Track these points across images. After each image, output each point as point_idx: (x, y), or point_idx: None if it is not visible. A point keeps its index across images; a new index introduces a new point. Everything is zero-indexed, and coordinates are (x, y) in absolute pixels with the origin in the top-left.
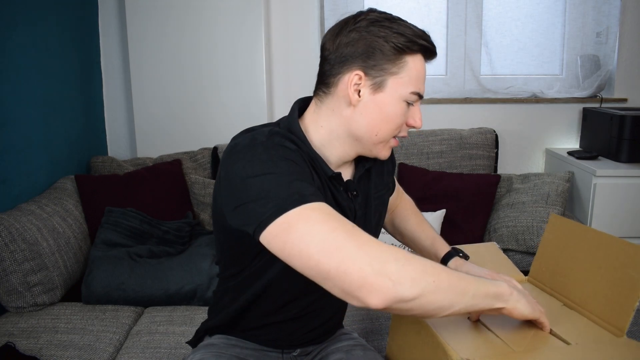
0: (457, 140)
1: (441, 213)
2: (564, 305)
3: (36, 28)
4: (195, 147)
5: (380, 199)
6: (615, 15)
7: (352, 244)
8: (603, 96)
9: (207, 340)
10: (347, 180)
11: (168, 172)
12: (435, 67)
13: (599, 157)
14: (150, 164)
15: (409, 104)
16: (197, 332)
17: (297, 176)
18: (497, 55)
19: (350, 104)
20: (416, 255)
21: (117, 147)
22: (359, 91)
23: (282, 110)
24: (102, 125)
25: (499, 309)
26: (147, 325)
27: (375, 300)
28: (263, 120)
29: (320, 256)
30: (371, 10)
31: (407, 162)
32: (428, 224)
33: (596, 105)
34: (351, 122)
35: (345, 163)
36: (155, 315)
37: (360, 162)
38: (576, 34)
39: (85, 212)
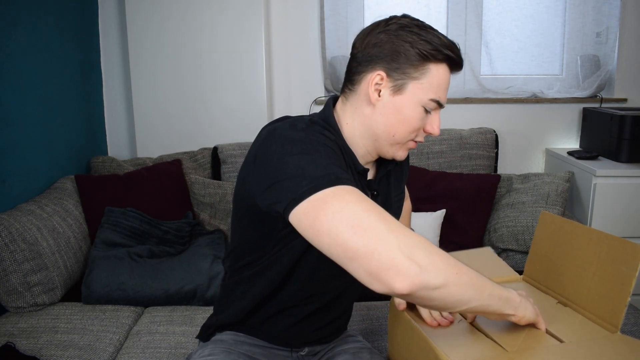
0: (457, 140)
1: (441, 213)
2: (558, 302)
3: (36, 28)
4: (195, 147)
5: (399, 203)
6: (615, 15)
7: (384, 226)
8: (603, 96)
9: (217, 336)
10: (369, 180)
11: (168, 172)
12: None
13: (599, 157)
14: (150, 164)
15: (427, 110)
16: (206, 327)
17: (334, 162)
18: (497, 55)
19: (370, 102)
20: (440, 249)
21: (117, 147)
22: (380, 91)
23: (282, 110)
24: (102, 125)
25: (508, 315)
26: (147, 325)
27: (401, 284)
28: (263, 120)
29: (350, 235)
30: (404, 16)
31: None
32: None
33: (596, 105)
34: (371, 121)
35: (367, 163)
36: (155, 315)
37: (382, 164)
38: (576, 34)
39: (85, 212)
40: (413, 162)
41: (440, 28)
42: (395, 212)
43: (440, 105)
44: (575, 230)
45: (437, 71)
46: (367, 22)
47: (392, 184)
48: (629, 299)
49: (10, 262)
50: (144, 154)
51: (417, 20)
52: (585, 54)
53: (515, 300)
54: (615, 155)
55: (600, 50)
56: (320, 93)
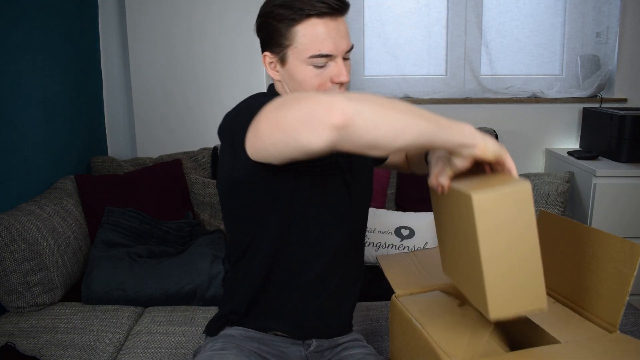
0: None
1: None
2: (555, 302)
3: (36, 28)
4: (195, 147)
5: (368, 181)
6: (615, 15)
7: (311, 95)
8: (603, 96)
9: (226, 331)
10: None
11: (168, 172)
12: (435, 67)
13: (599, 157)
14: (150, 164)
15: (318, 66)
16: (214, 320)
17: None
18: (497, 55)
19: (277, 79)
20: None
21: (117, 147)
22: (275, 67)
23: None
24: (102, 125)
25: (466, 147)
26: (147, 325)
27: (333, 116)
28: None
29: (279, 110)
30: None
31: None
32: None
33: (596, 105)
34: (284, 94)
35: None
36: (156, 315)
37: None
38: (576, 34)
39: (85, 212)
40: None
41: (440, 28)
42: (366, 192)
43: (329, 56)
44: (574, 229)
45: (305, 30)
46: (367, 22)
47: (356, 160)
48: (627, 298)
49: (10, 262)
50: (144, 154)
51: None
52: (585, 54)
53: (470, 130)
54: (615, 155)
55: (600, 50)
56: None
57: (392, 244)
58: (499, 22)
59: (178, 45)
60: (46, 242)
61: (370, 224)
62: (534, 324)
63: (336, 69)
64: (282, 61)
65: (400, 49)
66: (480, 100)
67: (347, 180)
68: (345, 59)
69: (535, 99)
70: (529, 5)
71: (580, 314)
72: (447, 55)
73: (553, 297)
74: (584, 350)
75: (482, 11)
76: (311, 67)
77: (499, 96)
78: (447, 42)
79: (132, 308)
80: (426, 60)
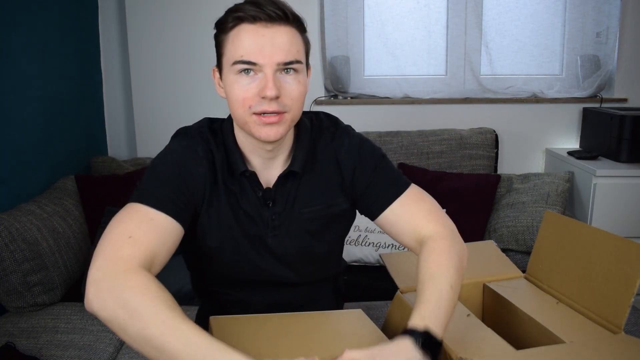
0: (457, 140)
1: None
2: (559, 302)
3: (36, 28)
4: None
5: (316, 215)
6: (615, 15)
7: (106, 245)
8: (603, 96)
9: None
10: (266, 188)
11: None
12: (435, 67)
13: (599, 157)
14: None
15: (244, 76)
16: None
17: (166, 180)
18: (497, 55)
19: (223, 97)
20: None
21: (117, 147)
22: (221, 83)
23: None
24: (102, 125)
25: None
26: None
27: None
28: None
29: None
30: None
31: (407, 162)
32: (437, 283)
33: (596, 105)
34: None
35: (272, 161)
36: None
37: (284, 171)
38: (576, 34)
39: (85, 212)
40: (413, 162)
41: (440, 28)
42: (309, 225)
43: (252, 64)
44: (580, 230)
45: (234, 35)
46: (367, 22)
47: (303, 191)
48: (633, 299)
49: (10, 262)
50: (144, 154)
51: (233, 6)
52: (585, 54)
53: None
54: (615, 155)
55: (600, 50)
56: (321, 93)
57: (392, 244)
58: (499, 22)
59: (178, 45)
60: (46, 242)
61: (371, 224)
62: (539, 323)
63: (263, 81)
64: (221, 74)
65: (400, 49)
66: (480, 100)
67: (275, 236)
68: (286, 72)
69: (535, 99)
70: (529, 5)
71: (584, 315)
72: (447, 55)
73: (557, 298)
74: (589, 351)
75: (482, 11)
76: (237, 77)
77: (499, 96)
78: (447, 42)
79: None
80: (426, 60)
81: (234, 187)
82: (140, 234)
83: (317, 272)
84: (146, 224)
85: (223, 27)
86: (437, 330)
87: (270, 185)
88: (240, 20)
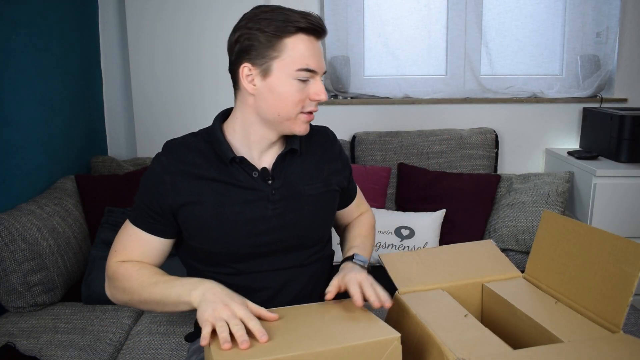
0: (457, 140)
1: (441, 213)
2: (557, 302)
3: (36, 28)
4: None
5: (316, 194)
6: (615, 15)
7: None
8: (603, 96)
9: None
10: (262, 168)
11: None
12: (435, 67)
13: (599, 157)
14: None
15: (302, 80)
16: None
17: (142, 199)
18: (497, 55)
19: (250, 93)
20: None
21: (117, 147)
22: (253, 80)
23: None
24: (102, 125)
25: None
26: (147, 325)
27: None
28: None
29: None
30: (254, 8)
31: (407, 162)
32: (366, 239)
33: (596, 105)
34: (257, 109)
35: (266, 147)
36: (156, 316)
37: (285, 146)
38: (576, 34)
39: (85, 212)
40: (413, 162)
41: (440, 28)
42: (310, 202)
43: (313, 72)
44: (578, 229)
45: (294, 43)
46: (367, 22)
47: (301, 170)
48: (631, 298)
49: (10, 262)
50: (144, 154)
51: (267, 6)
52: (585, 54)
53: (194, 301)
54: (615, 155)
55: (600, 50)
56: None
57: (392, 244)
58: (499, 22)
59: (178, 45)
60: (46, 242)
61: None
62: (538, 323)
63: (316, 86)
64: (265, 73)
65: (400, 49)
66: (480, 100)
67: (277, 209)
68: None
69: (535, 99)
70: (529, 5)
71: (583, 314)
72: (447, 55)
73: (556, 297)
74: (587, 350)
75: (482, 11)
76: (296, 82)
77: (499, 96)
78: (447, 42)
79: (132, 308)
80: (426, 60)
81: (224, 176)
82: (127, 250)
83: (314, 245)
84: (132, 241)
85: (279, 30)
86: (362, 252)
87: (268, 167)
88: (300, 30)
